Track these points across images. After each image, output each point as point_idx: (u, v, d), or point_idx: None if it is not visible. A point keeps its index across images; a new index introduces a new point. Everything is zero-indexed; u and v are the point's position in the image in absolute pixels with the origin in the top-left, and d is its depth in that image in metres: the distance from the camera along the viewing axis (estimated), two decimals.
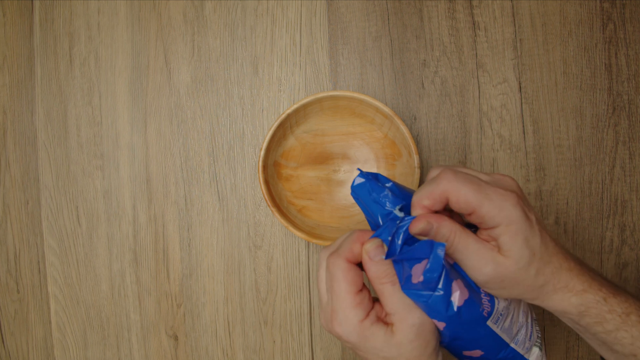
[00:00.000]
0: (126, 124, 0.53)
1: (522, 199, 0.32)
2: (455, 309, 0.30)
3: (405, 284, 0.31)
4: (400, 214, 0.33)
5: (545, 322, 0.52)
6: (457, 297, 0.31)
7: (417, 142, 0.51)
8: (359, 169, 0.35)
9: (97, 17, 0.53)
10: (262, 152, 0.46)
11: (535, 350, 0.36)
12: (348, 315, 0.31)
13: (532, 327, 0.36)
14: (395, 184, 0.35)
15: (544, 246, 0.32)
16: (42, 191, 0.54)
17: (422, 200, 0.31)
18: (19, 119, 0.54)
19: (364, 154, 0.50)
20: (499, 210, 0.30)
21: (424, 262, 0.30)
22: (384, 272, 0.31)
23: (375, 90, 0.52)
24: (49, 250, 0.54)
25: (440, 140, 0.51)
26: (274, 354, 0.53)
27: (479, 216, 0.31)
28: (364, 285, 0.33)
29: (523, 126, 0.51)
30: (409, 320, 0.31)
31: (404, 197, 0.33)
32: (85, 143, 0.54)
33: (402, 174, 0.48)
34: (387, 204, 0.33)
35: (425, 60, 0.51)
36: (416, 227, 0.31)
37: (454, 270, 0.32)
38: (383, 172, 0.50)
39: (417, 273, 0.30)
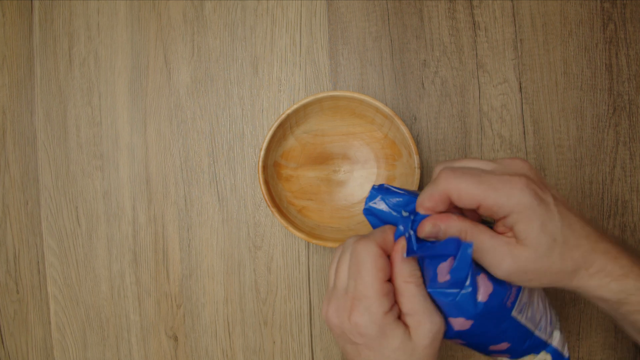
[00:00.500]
0: (126, 124, 0.53)
1: (533, 181, 0.30)
2: (482, 305, 0.30)
3: (431, 284, 0.30)
4: (406, 214, 0.33)
5: None
6: (482, 293, 0.30)
7: (417, 143, 0.51)
8: (374, 186, 0.35)
9: (96, 17, 0.53)
10: (262, 153, 0.46)
11: (557, 334, 0.35)
12: (373, 304, 0.29)
13: (550, 311, 0.36)
14: (405, 191, 0.35)
15: (568, 229, 0.29)
16: (41, 191, 0.54)
17: (424, 203, 0.30)
18: (19, 119, 0.54)
19: (364, 154, 0.50)
20: (506, 198, 0.28)
21: (449, 260, 0.29)
22: (410, 271, 0.30)
23: (375, 91, 0.51)
24: (48, 250, 0.54)
25: (441, 141, 0.51)
26: (273, 355, 0.53)
27: (487, 208, 0.29)
28: (389, 278, 0.31)
29: (523, 126, 0.51)
30: (428, 325, 0.29)
31: (414, 199, 0.33)
32: (85, 143, 0.53)
33: (402, 174, 0.48)
34: (402, 210, 0.33)
35: (425, 60, 0.51)
36: (423, 231, 0.30)
37: (477, 264, 0.31)
38: (383, 172, 0.50)
39: (443, 272, 0.29)
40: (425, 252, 0.30)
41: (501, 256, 0.29)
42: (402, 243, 0.31)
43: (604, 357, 0.52)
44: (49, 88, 0.54)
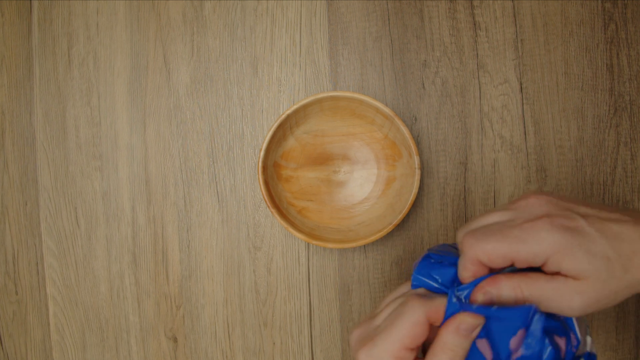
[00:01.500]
0: (125, 124, 0.53)
1: (556, 216, 0.29)
2: None
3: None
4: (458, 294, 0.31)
5: None
6: (562, 351, 0.28)
7: (418, 143, 0.51)
8: (424, 258, 0.33)
9: (95, 17, 0.53)
10: (262, 153, 0.46)
11: (589, 340, 0.34)
12: (380, 357, 0.29)
13: (584, 319, 0.35)
14: (452, 255, 0.33)
15: (615, 241, 0.28)
16: (40, 192, 0.54)
17: (463, 276, 0.30)
18: (18, 119, 0.54)
19: (364, 155, 0.50)
20: (537, 246, 0.28)
21: (520, 333, 0.27)
22: (454, 345, 0.28)
23: (375, 91, 0.51)
24: (47, 251, 0.54)
25: (441, 141, 0.51)
26: (273, 356, 0.52)
27: (521, 261, 0.28)
28: (419, 347, 0.30)
29: (524, 127, 0.51)
30: None
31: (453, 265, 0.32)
32: (84, 144, 0.53)
33: (403, 174, 0.48)
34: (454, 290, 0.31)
35: (425, 60, 0.51)
36: (476, 301, 0.29)
37: (551, 318, 0.30)
38: (383, 172, 0.49)
39: (516, 346, 0.27)
40: (489, 313, 0.28)
41: (569, 297, 0.28)
42: (468, 318, 0.29)
43: (605, 359, 0.51)
44: (48, 88, 0.53)
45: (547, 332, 0.29)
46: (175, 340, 0.53)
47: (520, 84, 0.51)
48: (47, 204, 0.54)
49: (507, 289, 0.28)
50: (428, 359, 0.28)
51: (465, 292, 0.30)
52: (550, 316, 0.29)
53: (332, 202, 0.50)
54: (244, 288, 0.52)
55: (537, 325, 0.27)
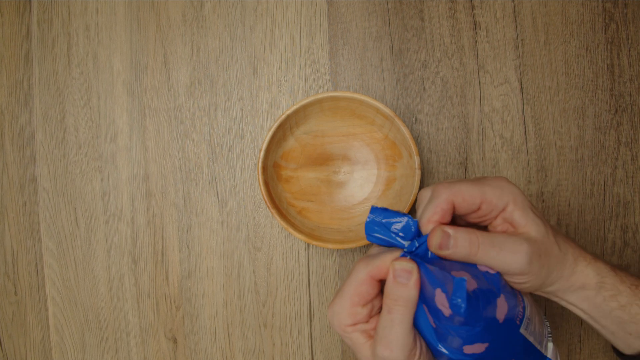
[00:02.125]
0: (125, 125, 0.53)
1: None
2: (497, 326, 0.30)
3: (441, 320, 0.29)
4: (407, 242, 0.32)
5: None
6: (500, 313, 0.30)
7: (418, 143, 0.51)
8: (372, 209, 0.34)
9: (95, 17, 0.53)
10: (262, 154, 0.46)
11: (550, 346, 0.35)
12: (337, 314, 0.32)
13: (544, 323, 0.36)
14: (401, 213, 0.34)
15: (544, 217, 0.33)
16: (40, 193, 0.54)
17: (431, 218, 0.31)
18: (17, 119, 0.54)
19: (364, 155, 0.50)
20: (501, 191, 0.32)
21: (448, 288, 0.29)
22: (395, 295, 0.30)
23: (375, 91, 0.51)
24: (46, 252, 0.54)
25: (441, 141, 0.51)
26: (273, 357, 0.52)
27: (488, 204, 0.32)
28: (372, 301, 0.32)
29: (525, 127, 0.51)
30: (380, 351, 0.30)
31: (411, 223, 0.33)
32: (84, 144, 0.53)
33: (403, 175, 0.48)
34: (400, 236, 0.32)
35: (426, 60, 0.51)
36: (434, 240, 0.30)
37: (492, 286, 0.31)
38: (383, 173, 0.49)
39: (444, 303, 0.29)
40: (434, 262, 0.30)
41: (518, 242, 0.31)
42: (401, 266, 0.30)
43: (607, 359, 0.51)
44: (47, 88, 0.53)
45: (496, 288, 0.31)
46: (175, 341, 0.53)
47: (521, 84, 0.51)
48: (46, 205, 0.53)
49: (463, 233, 0.30)
50: (382, 312, 0.31)
51: (418, 248, 0.32)
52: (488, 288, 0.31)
53: (332, 202, 0.50)
54: (243, 289, 0.52)
55: (461, 284, 0.28)
